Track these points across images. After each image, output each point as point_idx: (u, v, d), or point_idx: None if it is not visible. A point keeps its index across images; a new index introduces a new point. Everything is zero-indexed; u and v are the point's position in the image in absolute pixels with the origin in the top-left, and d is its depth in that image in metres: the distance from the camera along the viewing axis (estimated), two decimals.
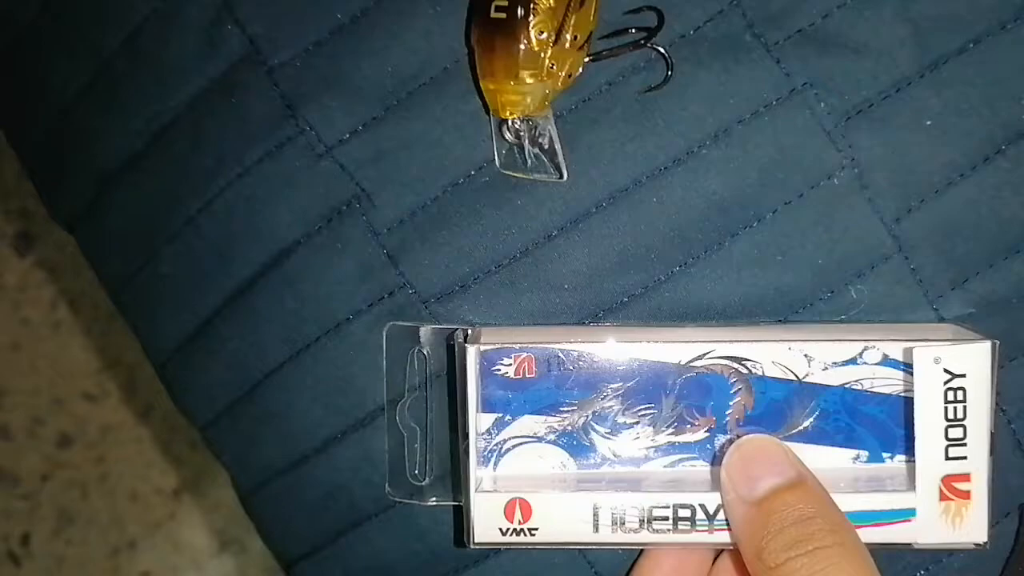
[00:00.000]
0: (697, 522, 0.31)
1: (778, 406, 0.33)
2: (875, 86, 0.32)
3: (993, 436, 0.31)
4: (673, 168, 0.33)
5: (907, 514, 0.31)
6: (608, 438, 0.33)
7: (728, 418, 0.33)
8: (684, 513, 0.31)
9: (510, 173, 0.33)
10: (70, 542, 0.98)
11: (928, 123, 0.32)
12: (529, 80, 0.31)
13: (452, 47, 0.34)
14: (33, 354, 0.99)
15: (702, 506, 0.31)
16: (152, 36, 0.36)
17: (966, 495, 0.31)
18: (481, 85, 0.32)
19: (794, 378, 0.32)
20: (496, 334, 0.33)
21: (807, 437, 0.33)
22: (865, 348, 0.32)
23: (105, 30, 0.37)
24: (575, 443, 0.33)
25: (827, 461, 0.33)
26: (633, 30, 0.32)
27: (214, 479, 0.95)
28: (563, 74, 0.31)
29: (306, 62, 0.35)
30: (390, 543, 0.37)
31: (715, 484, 0.32)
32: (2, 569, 0.97)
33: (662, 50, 0.32)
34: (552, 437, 0.33)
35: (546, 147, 0.33)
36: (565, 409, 0.33)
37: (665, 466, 0.33)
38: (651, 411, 0.33)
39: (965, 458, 0.30)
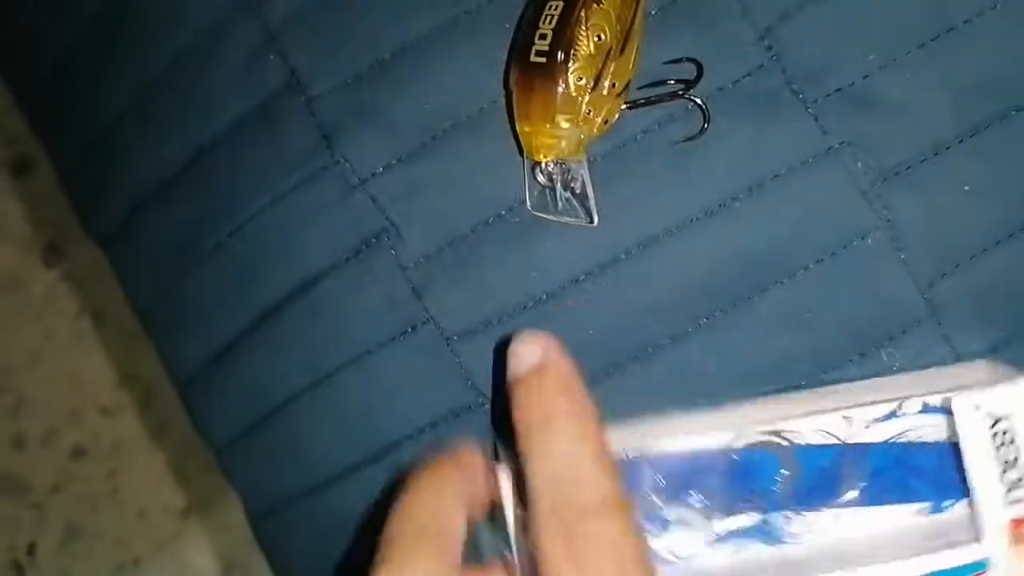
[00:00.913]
0: None
1: (827, 473, 0.31)
2: (914, 149, 0.32)
3: None
4: (705, 219, 0.33)
5: (978, 567, 0.29)
6: (659, 536, 0.31)
7: (777, 494, 0.31)
8: None
9: (541, 215, 0.33)
10: (76, 555, 0.98)
11: (966, 188, 0.32)
12: (565, 125, 0.31)
13: (490, 87, 0.34)
14: (54, 365, 1.00)
15: None
16: (195, 63, 0.37)
17: None
18: (516, 127, 0.32)
19: (837, 441, 0.31)
20: None
21: (864, 500, 0.31)
22: (902, 401, 0.31)
23: (149, 55, 0.38)
24: None
25: (891, 521, 0.31)
26: (672, 81, 0.32)
27: (223, 501, 0.95)
28: (599, 120, 0.31)
29: (344, 95, 0.35)
30: None
31: (778, 569, 0.30)
32: None
33: (699, 101, 0.32)
34: None
35: (578, 191, 0.32)
36: None
37: (726, 556, 0.31)
38: (698, 502, 0.31)
39: None
